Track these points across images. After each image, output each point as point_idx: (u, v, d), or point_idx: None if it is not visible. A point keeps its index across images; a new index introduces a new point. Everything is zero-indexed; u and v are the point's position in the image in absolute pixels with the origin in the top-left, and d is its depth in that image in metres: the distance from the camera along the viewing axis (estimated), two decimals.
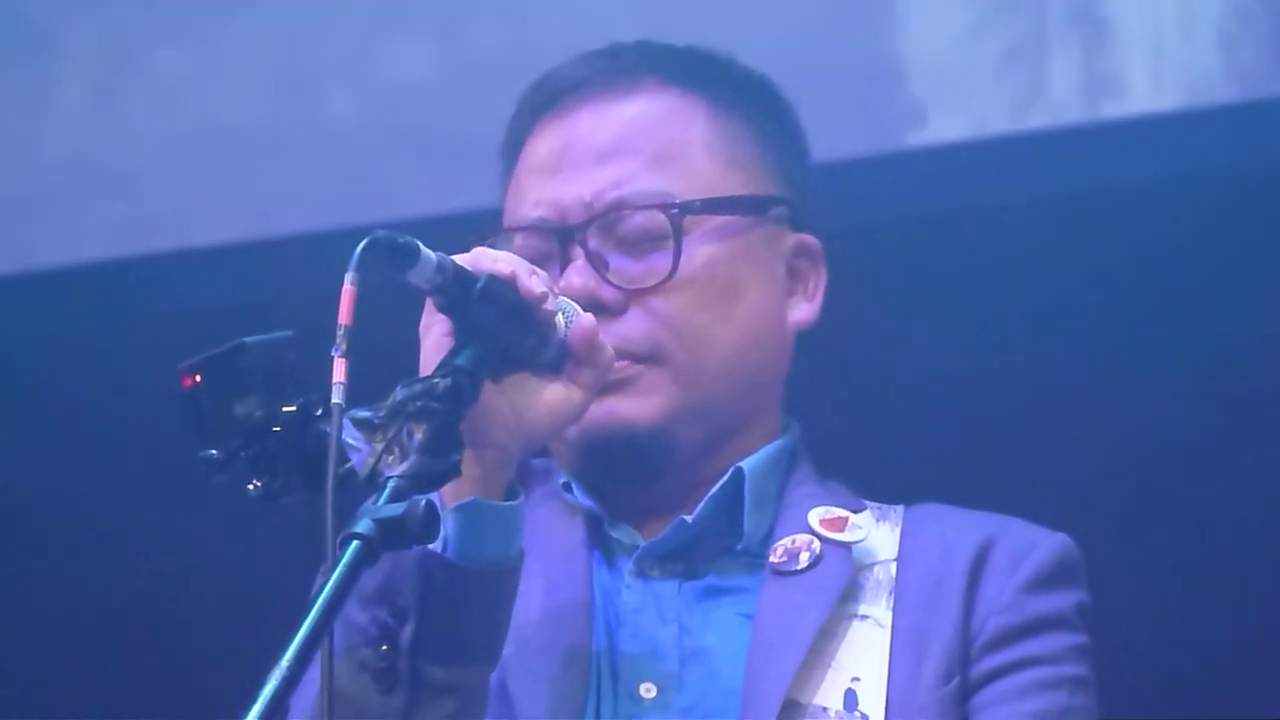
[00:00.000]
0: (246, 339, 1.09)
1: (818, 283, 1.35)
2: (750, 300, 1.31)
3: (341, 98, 2.14)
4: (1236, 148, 2.07)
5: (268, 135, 2.14)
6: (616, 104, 1.32)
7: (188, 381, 1.09)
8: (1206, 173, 2.06)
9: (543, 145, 1.33)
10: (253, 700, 0.90)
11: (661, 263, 1.27)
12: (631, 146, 1.30)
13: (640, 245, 1.28)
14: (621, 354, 1.24)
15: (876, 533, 1.29)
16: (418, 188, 2.04)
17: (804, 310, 1.34)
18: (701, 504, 1.28)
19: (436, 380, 1.07)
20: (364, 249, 1.04)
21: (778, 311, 1.33)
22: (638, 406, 1.27)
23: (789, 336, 1.34)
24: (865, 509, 1.31)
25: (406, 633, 1.11)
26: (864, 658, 1.22)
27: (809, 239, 1.35)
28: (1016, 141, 2.10)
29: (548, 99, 1.34)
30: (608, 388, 1.24)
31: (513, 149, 1.36)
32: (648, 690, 1.23)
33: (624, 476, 1.30)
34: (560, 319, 1.17)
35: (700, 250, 1.28)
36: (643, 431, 1.27)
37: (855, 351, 1.90)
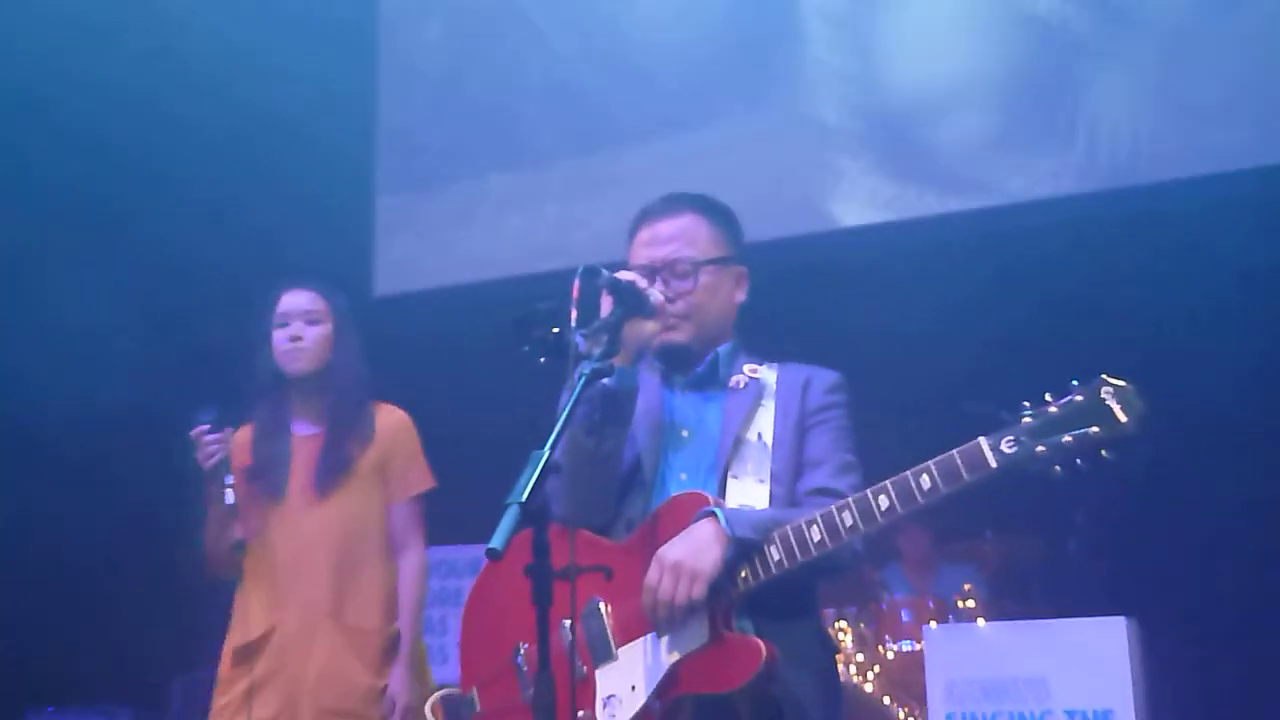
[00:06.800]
0: (535, 303, 2.93)
1: (745, 285, 3.17)
2: (721, 296, 3.13)
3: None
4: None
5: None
6: (674, 219, 3.15)
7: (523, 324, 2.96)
8: None
9: (645, 233, 3.15)
10: (529, 470, 2.41)
11: (690, 285, 3.11)
12: (680, 238, 3.12)
13: (683, 278, 3.11)
14: (673, 316, 3.07)
15: (770, 374, 3.14)
16: None
17: (741, 297, 3.18)
18: (701, 365, 3.12)
19: (611, 320, 2.91)
20: (582, 272, 2.87)
21: (731, 299, 3.16)
22: (677, 336, 3.10)
23: (735, 307, 3.16)
24: (768, 364, 3.16)
25: (597, 415, 2.93)
26: (764, 422, 3.06)
27: (743, 269, 3.18)
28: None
29: (646, 214, 3.18)
30: (667, 329, 3.07)
31: (632, 233, 3.15)
32: (685, 433, 3.09)
33: (675, 361, 3.15)
34: (652, 296, 3.01)
35: (705, 279, 3.10)
36: (679, 344, 3.10)
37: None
